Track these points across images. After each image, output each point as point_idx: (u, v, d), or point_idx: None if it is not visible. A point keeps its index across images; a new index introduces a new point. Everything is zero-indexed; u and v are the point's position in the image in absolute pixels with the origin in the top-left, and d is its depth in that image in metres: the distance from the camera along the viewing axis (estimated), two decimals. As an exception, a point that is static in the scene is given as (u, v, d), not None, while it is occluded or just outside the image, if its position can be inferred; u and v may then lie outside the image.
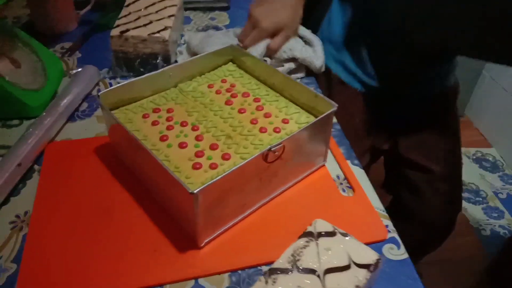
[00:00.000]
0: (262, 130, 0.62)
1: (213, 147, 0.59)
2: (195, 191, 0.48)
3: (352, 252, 0.45)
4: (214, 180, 0.49)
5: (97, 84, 0.86)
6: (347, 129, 0.77)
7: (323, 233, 0.46)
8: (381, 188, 1.10)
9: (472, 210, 1.77)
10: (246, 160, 0.52)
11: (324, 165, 0.68)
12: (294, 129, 0.63)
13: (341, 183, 0.66)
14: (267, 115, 0.65)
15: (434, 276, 1.46)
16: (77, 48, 0.97)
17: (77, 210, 0.60)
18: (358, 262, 0.44)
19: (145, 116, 0.65)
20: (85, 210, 0.60)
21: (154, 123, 0.63)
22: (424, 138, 0.97)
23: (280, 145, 0.55)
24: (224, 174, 0.50)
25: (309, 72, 0.89)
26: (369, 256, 0.45)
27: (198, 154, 0.58)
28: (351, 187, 0.65)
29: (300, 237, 0.46)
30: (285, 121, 0.64)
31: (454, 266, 1.54)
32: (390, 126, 0.98)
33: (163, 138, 0.61)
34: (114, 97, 0.65)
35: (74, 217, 0.59)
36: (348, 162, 0.69)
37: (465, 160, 1.99)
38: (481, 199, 1.84)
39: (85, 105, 0.81)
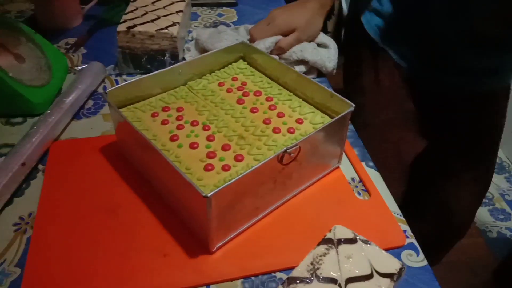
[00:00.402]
0: (276, 130, 0.60)
1: (225, 147, 0.57)
2: (208, 195, 0.45)
3: (374, 260, 0.43)
4: (228, 183, 0.47)
5: (103, 81, 0.84)
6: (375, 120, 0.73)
7: (343, 240, 0.44)
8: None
9: (478, 212, 1.75)
10: (261, 163, 0.50)
11: (338, 167, 0.65)
12: (309, 129, 0.60)
13: (356, 186, 0.64)
14: (280, 115, 0.63)
15: (440, 277, 1.44)
16: (82, 44, 0.94)
17: (83, 212, 0.58)
18: (380, 271, 0.42)
19: (154, 115, 0.62)
20: (91, 211, 0.58)
21: (164, 122, 0.61)
22: (466, 138, 0.89)
23: (296, 147, 0.53)
24: (238, 177, 0.48)
25: (321, 73, 0.87)
26: (392, 264, 0.43)
27: (210, 155, 0.56)
28: (366, 190, 0.63)
29: (319, 244, 0.44)
30: (299, 121, 0.62)
31: (461, 268, 1.53)
32: (429, 121, 0.89)
33: (173, 138, 0.58)
34: (122, 95, 0.63)
35: (80, 219, 0.57)
36: (363, 164, 0.67)
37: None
38: (487, 200, 1.82)
39: (90, 102, 0.79)
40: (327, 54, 0.83)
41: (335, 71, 0.84)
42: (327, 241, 0.44)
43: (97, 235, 0.55)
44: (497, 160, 1.98)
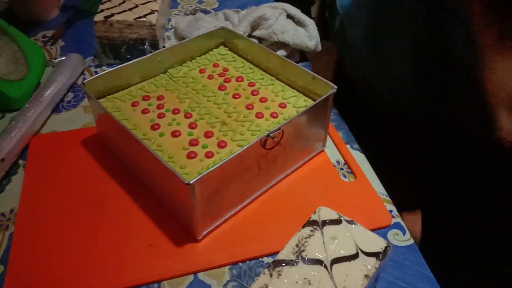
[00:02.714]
0: (259, 115, 0.59)
1: (208, 134, 0.56)
2: (191, 182, 0.45)
3: (359, 240, 0.43)
4: (211, 169, 0.46)
5: (82, 73, 0.82)
6: None
7: (328, 221, 0.44)
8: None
9: None
10: (244, 148, 0.49)
11: (323, 151, 0.65)
12: (292, 113, 0.60)
13: (342, 169, 0.64)
14: (263, 100, 0.62)
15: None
16: (59, 36, 0.92)
17: (67, 206, 0.57)
18: (366, 250, 0.42)
19: (134, 104, 0.61)
20: (75, 205, 0.57)
21: (144, 111, 0.60)
22: None
23: (278, 131, 0.52)
24: (221, 163, 0.47)
25: (303, 58, 0.86)
26: (377, 243, 0.42)
27: (193, 143, 0.55)
28: (352, 173, 0.63)
29: (304, 226, 0.44)
30: (282, 106, 0.61)
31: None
32: None
33: (154, 127, 0.57)
34: (101, 85, 0.62)
35: (63, 213, 0.56)
36: (348, 146, 0.67)
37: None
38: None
39: (70, 95, 0.77)
40: (306, 33, 0.83)
41: (319, 47, 0.83)
42: (311, 223, 0.44)
43: (82, 229, 0.54)
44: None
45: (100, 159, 0.63)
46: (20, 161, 0.65)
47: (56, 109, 0.74)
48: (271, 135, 0.51)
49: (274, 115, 0.59)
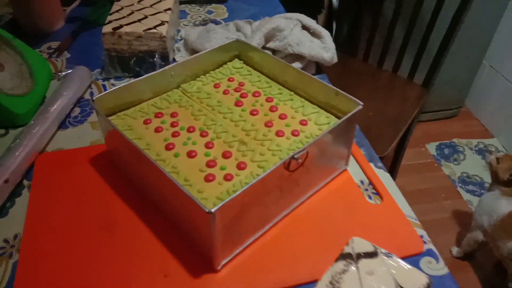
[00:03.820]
0: (279, 133, 0.56)
1: (226, 155, 0.52)
2: (212, 210, 0.41)
3: (399, 275, 0.39)
4: (233, 196, 0.43)
5: (89, 86, 0.79)
6: None
7: (362, 254, 0.40)
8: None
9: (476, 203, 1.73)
10: (267, 171, 0.45)
11: (346, 170, 0.61)
12: (314, 131, 0.56)
13: (366, 189, 0.60)
14: (282, 117, 0.59)
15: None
16: (65, 48, 0.89)
17: (74, 231, 0.53)
18: (406, 287, 0.38)
19: (146, 122, 0.58)
20: (84, 229, 0.53)
21: (158, 130, 0.56)
22: None
23: (303, 152, 0.49)
24: (243, 188, 0.44)
25: (319, 70, 0.83)
26: (418, 279, 0.39)
27: (210, 164, 0.51)
28: (377, 194, 0.59)
29: (337, 260, 0.40)
30: (303, 123, 0.58)
31: (462, 259, 1.50)
32: None
33: (168, 147, 0.54)
34: (111, 101, 0.58)
35: (70, 239, 0.52)
36: (372, 165, 0.63)
37: (467, 152, 1.95)
38: (485, 191, 1.80)
39: (77, 110, 0.74)
40: (322, 45, 0.79)
41: (335, 58, 0.80)
42: (345, 256, 0.40)
43: (91, 256, 0.50)
44: (494, 150, 1.96)
45: (110, 179, 0.59)
46: (25, 182, 0.61)
47: (62, 125, 0.70)
48: (295, 156, 0.48)
49: (295, 133, 0.56)
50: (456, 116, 2.15)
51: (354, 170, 0.62)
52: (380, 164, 0.64)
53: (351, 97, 0.55)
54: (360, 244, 0.41)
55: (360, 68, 1.43)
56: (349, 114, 0.53)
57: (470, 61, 1.96)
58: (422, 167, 1.89)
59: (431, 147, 2.00)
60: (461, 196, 1.75)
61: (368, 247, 0.41)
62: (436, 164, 1.90)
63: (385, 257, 0.40)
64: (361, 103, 0.54)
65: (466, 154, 1.95)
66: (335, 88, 0.57)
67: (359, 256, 0.40)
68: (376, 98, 1.29)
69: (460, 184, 1.81)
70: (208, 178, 0.49)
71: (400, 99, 1.37)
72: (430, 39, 1.27)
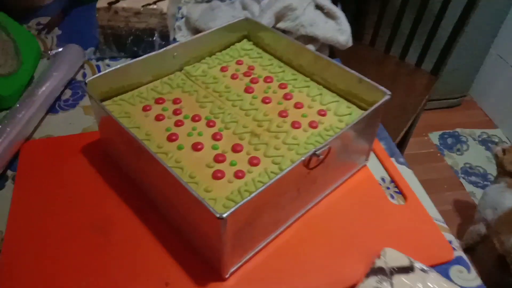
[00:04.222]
0: (295, 125, 0.49)
1: (236, 148, 0.46)
2: (224, 216, 0.35)
3: (439, 294, 0.33)
4: (247, 199, 0.37)
5: (82, 66, 0.72)
6: None
7: (397, 268, 0.35)
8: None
9: (480, 195, 1.69)
10: (286, 170, 0.40)
11: (365, 165, 0.56)
12: (334, 122, 0.50)
13: (388, 187, 0.54)
14: (298, 106, 0.52)
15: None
16: (56, 24, 0.82)
17: (64, 231, 0.47)
18: (448, 309, 0.33)
19: (146, 109, 0.51)
20: (74, 230, 0.47)
21: (159, 118, 0.50)
22: None
23: (325, 147, 0.43)
24: (259, 190, 0.38)
25: (331, 53, 0.76)
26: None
27: (218, 159, 0.45)
28: (400, 193, 0.53)
29: (368, 275, 0.35)
30: (321, 113, 0.51)
31: (467, 251, 1.47)
32: None
33: (171, 138, 0.48)
34: (106, 84, 0.52)
35: (60, 241, 0.46)
36: (393, 160, 0.57)
37: (470, 142, 1.91)
38: (489, 183, 1.76)
39: (68, 93, 0.67)
40: (337, 26, 0.73)
41: (350, 42, 0.74)
42: (377, 272, 0.35)
43: (82, 261, 0.45)
44: (497, 141, 1.92)
45: (104, 172, 0.53)
46: (9, 172, 0.55)
47: (52, 109, 0.64)
48: (317, 152, 0.42)
49: (313, 125, 0.50)
50: (460, 105, 2.10)
51: (374, 166, 0.56)
52: (402, 159, 0.58)
53: (377, 85, 0.49)
54: (393, 257, 0.36)
55: (366, 53, 1.37)
56: (376, 105, 0.47)
57: (477, 49, 1.90)
58: (424, 157, 1.84)
59: (434, 137, 1.95)
60: (464, 187, 1.71)
61: (402, 260, 0.36)
62: (439, 154, 1.86)
63: (422, 272, 0.35)
64: (389, 92, 0.48)
65: (469, 145, 1.91)
66: (358, 74, 0.51)
67: (393, 271, 0.35)
68: (382, 86, 1.23)
69: (463, 175, 1.77)
70: (217, 175, 0.43)
71: (408, 87, 1.31)
72: (441, 25, 1.21)
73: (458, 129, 1.98)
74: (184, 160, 0.45)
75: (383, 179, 0.55)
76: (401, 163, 0.57)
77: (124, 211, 0.48)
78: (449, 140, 1.92)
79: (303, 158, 0.41)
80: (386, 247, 0.46)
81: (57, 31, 0.81)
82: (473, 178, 1.75)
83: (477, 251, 1.46)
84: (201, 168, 0.44)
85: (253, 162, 0.45)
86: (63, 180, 0.53)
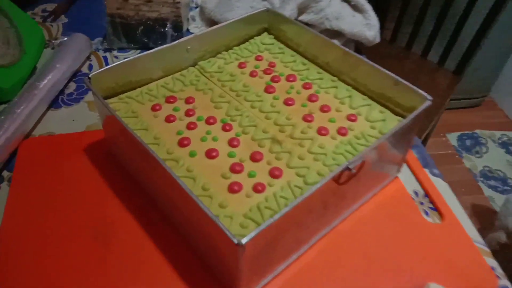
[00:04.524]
0: (322, 131, 0.44)
1: (255, 157, 0.41)
2: (243, 242, 0.30)
3: None
4: (269, 222, 0.32)
5: (88, 58, 0.67)
6: None
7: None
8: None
9: (499, 200, 1.63)
10: (315, 187, 0.34)
11: (397, 177, 0.50)
12: (366, 129, 0.44)
13: (422, 203, 0.49)
14: (324, 109, 0.47)
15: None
16: (63, 11, 0.77)
17: (61, 237, 0.43)
18: None
19: (155, 108, 0.46)
20: (73, 237, 0.43)
21: (169, 119, 0.45)
22: None
23: (359, 161, 0.37)
24: (283, 212, 0.32)
25: (356, 49, 0.70)
26: None
27: (235, 168, 0.40)
28: (436, 209, 0.48)
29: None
30: (351, 118, 0.46)
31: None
32: None
33: (182, 143, 0.42)
34: (111, 79, 0.47)
35: (56, 247, 0.42)
36: (427, 171, 0.52)
37: (490, 145, 1.84)
38: (509, 188, 1.69)
39: (72, 86, 0.62)
40: (365, 21, 0.67)
41: (378, 39, 0.68)
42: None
43: (81, 271, 0.40)
44: None
45: (108, 174, 0.49)
46: (5, 173, 0.50)
47: (54, 103, 0.59)
48: (350, 167, 0.36)
49: (342, 132, 0.44)
50: (480, 106, 2.03)
51: (406, 178, 0.51)
52: (436, 171, 0.52)
53: (416, 88, 0.44)
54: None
55: (386, 49, 1.31)
56: (416, 112, 0.41)
57: (501, 49, 1.82)
58: (442, 158, 1.77)
59: (452, 138, 1.88)
60: (482, 191, 1.64)
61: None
62: (457, 156, 1.79)
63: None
64: (429, 97, 0.43)
65: (488, 147, 1.84)
66: (394, 76, 0.45)
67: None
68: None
69: (481, 179, 1.70)
70: (233, 188, 0.38)
71: (430, 86, 1.23)
72: (467, 22, 1.14)
73: (477, 131, 1.90)
74: (196, 169, 0.40)
75: (416, 193, 0.49)
76: (435, 175, 0.52)
77: (127, 219, 0.44)
78: (468, 142, 1.85)
79: (334, 174, 0.35)
80: (419, 271, 0.41)
81: (63, 19, 0.76)
82: (492, 182, 1.68)
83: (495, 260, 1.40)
84: (215, 179, 0.39)
85: (275, 173, 0.39)
86: (63, 183, 0.48)
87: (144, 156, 0.39)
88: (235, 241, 0.30)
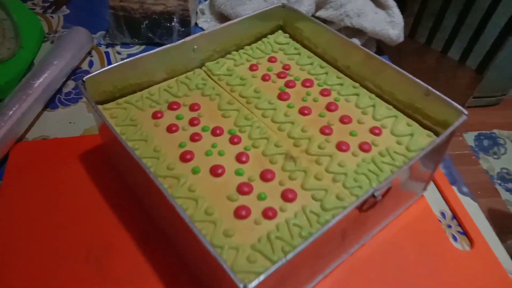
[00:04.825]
0: (342, 146, 0.39)
1: (265, 176, 0.36)
2: (249, 287, 0.26)
3: None
4: (280, 264, 0.27)
5: (89, 53, 0.63)
6: None
7: None
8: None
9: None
10: (336, 219, 0.30)
11: (422, 195, 0.45)
12: (392, 144, 0.39)
13: (449, 225, 0.44)
14: (345, 120, 0.42)
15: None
16: (64, 2, 0.72)
17: (51, 258, 0.39)
18: None
19: (156, 115, 0.42)
20: (65, 256, 0.39)
21: (171, 129, 0.40)
22: None
23: (386, 187, 0.32)
24: (298, 249, 0.28)
25: (379, 48, 0.65)
26: None
27: (243, 189, 0.35)
28: (465, 234, 0.43)
29: None
30: (374, 131, 0.41)
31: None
32: None
33: (185, 157, 0.38)
34: (109, 82, 0.42)
35: (45, 268, 0.38)
36: (455, 189, 0.47)
37: (509, 146, 1.78)
38: (529, 192, 1.64)
39: (71, 84, 0.58)
40: (389, 18, 0.62)
41: (402, 38, 0.62)
42: None
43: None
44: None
45: (104, 185, 0.44)
46: (-6, 180, 0.47)
47: (50, 103, 0.55)
48: (376, 194, 0.32)
49: (364, 148, 0.39)
50: (498, 104, 1.96)
51: (432, 196, 0.46)
52: (465, 189, 0.47)
53: (450, 101, 0.38)
54: None
55: (405, 44, 1.24)
56: (451, 128, 0.36)
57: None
58: (457, 158, 1.71)
59: (469, 137, 1.82)
60: (500, 194, 1.59)
61: None
62: (473, 157, 1.73)
63: None
64: (466, 112, 0.37)
65: (507, 148, 1.77)
66: (425, 85, 0.40)
67: None
68: (421, 81, 1.11)
69: (499, 181, 1.64)
70: (240, 213, 0.33)
71: (450, 84, 1.19)
72: (490, 20, 1.07)
73: (495, 131, 1.84)
74: (199, 189, 0.35)
75: (443, 214, 0.45)
76: (464, 194, 0.47)
77: (124, 239, 0.40)
78: (485, 142, 1.79)
79: (357, 204, 0.30)
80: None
81: (65, 10, 0.71)
82: (510, 185, 1.62)
83: None
84: (220, 201, 0.34)
85: (288, 196, 0.35)
86: (55, 193, 0.44)
87: (141, 174, 0.34)
88: (241, 285, 0.26)
